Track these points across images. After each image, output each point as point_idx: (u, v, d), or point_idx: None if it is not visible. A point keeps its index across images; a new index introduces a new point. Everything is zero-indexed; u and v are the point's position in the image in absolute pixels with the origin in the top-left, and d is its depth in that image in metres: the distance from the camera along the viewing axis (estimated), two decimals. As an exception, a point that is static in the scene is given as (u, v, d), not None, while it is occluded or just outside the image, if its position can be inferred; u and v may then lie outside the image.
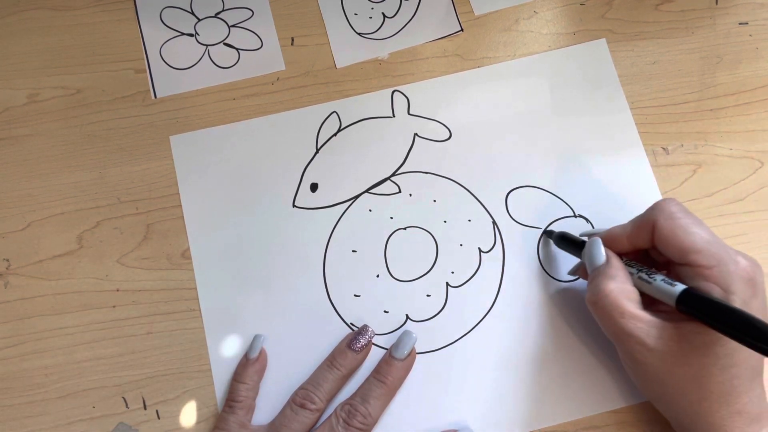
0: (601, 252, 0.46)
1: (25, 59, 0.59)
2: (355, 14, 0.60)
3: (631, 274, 0.45)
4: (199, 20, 0.60)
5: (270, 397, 0.51)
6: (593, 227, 0.54)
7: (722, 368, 0.41)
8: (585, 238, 0.50)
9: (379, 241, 0.55)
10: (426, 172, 0.56)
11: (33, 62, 0.59)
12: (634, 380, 0.47)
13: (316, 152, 0.57)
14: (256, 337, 0.52)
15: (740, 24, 0.59)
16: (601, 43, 0.59)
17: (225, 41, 0.60)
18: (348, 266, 0.54)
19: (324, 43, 0.60)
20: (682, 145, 0.56)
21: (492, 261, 0.54)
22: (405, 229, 0.55)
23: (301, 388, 0.50)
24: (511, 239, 0.54)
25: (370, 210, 0.55)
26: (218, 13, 0.60)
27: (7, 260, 0.54)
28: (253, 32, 0.60)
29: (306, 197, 0.55)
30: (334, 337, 0.52)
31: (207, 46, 0.60)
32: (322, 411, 0.49)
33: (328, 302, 0.53)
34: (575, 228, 0.54)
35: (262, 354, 0.52)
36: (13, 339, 0.53)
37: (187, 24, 0.60)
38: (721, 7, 0.60)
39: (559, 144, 0.56)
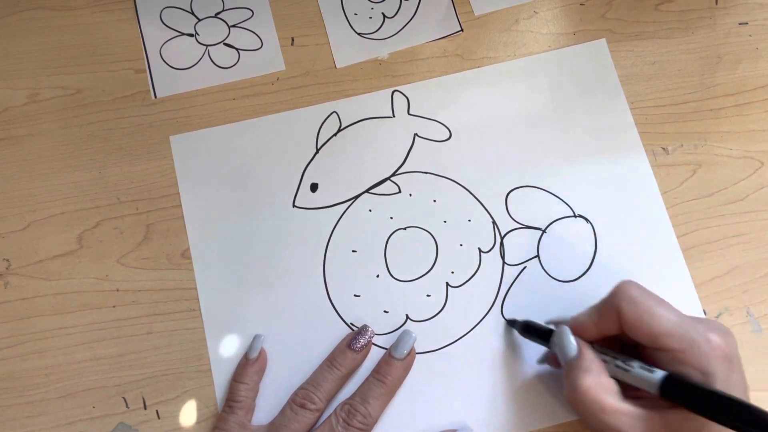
0: (572, 343, 0.45)
1: (25, 59, 0.59)
2: (355, 14, 0.60)
3: (605, 361, 0.44)
4: (199, 20, 0.60)
5: (270, 397, 0.51)
6: (593, 227, 0.54)
7: None
8: (552, 326, 0.49)
9: (379, 241, 0.55)
10: (426, 172, 0.56)
11: (33, 62, 0.59)
12: None
13: (316, 152, 0.57)
14: (255, 337, 0.52)
15: (740, 24, 0.59)
16: (601, 43, 0.59)
17: (225, 41, 0.60)
18: (348, 266, 0.54)
19: (324, 43, 0.60)
20: (682, 145, 0.56)
21: (492, 261, 0.54)
22: (405, 229, 0.55)
23: (301, 388, 0.50)
24: (511, 239, 0.54)
25: (370, 210, 0.55)
26: (218, 13, 0.60)
27: (7, 260, 0.54)
28: (253, 32, 0.60)
29: (306, 197, 0.55)
30: (334, 337, 0.52)
31: (207, 46, 0.60)
32: (321, 411, 0.49)
33: (328, 302, 0.53)
34: (576, 228, 0.54)
35: (262, 354, 0.52)
36: (13, 339, 0.53)
37: (187, 24, 0.60)
38: (721, 7, 0.60)
39: (559, 144, 0.56)
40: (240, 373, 0.51)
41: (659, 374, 0.40)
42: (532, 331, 0.50)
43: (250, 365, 0.51)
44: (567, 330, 0.45)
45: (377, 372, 0.50)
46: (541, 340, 0.49)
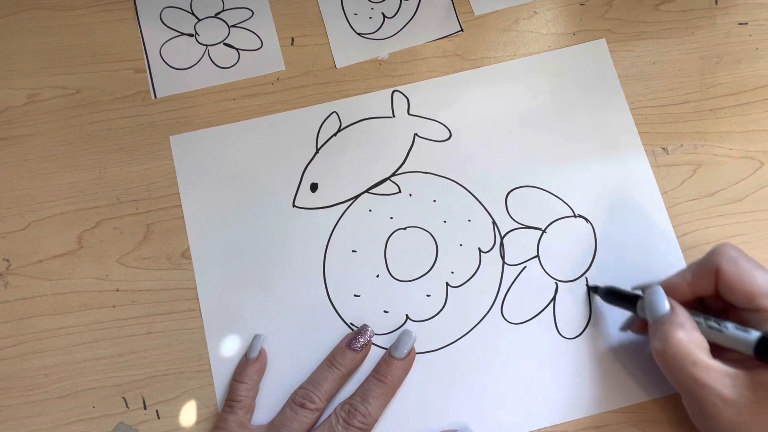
0: (665, 300, 0.45)
1: (25, 59, 0.59)
2: (355, 14, 0.61)
3: (698, 322, 0.44)
4: (199, 20, 0.60)
5: (270, 397, 0.51)
6: (593, 227, 0.54)
7: None
8: (638, 292, 0.49)
9: (379, 241, 0.55)
10: (426, 172, 0.56)
11: (33, 62, 0.59)
12: (700, 427, 0.44)
13: (316, 152, 0.57)
14: (255, 337, 0.52)
15: (740, 24, 0.59)
16: (601, 43, 0.59)
17: (225, 41, 0.60)
18: (348, 266, 0.54)
19: (324, 43, 0.60)
20: (682, 145, 0.56)
21: (492, 261, 0.54)
22: (405, 229, 0.55)
23: (301, 387, 0.50)
24: (511, 239, 0.54)
25: (370, 210, 0.55)
26: (218, 13, 0.60)
27: (7, 260, 0.54)
28: (253, 32, 0.60)
29: (306, 197, 0.55)
30: (334, 336, 0.52)
31: (207, 46, 0.60)
32: (321, 411, 0.49)
33: (328, 302, 0.53)
34: (576, 228, 0.54)
35: (262, 354, 0.52)
36: (13, 339, 0.53)
37: (187, 24, 0.60)
38: (721, 7, 0.60)
39: (559, 144, 0.56)
40: (240, 372, 0.51)
41: (755, 334, 0.41)
42: (616, 296, 0.50)
43: (250, 365, 0.51)
44: (660, 289, 0.46)
45: (377, 372, 0.50)
46: (626, 305, 0.49)
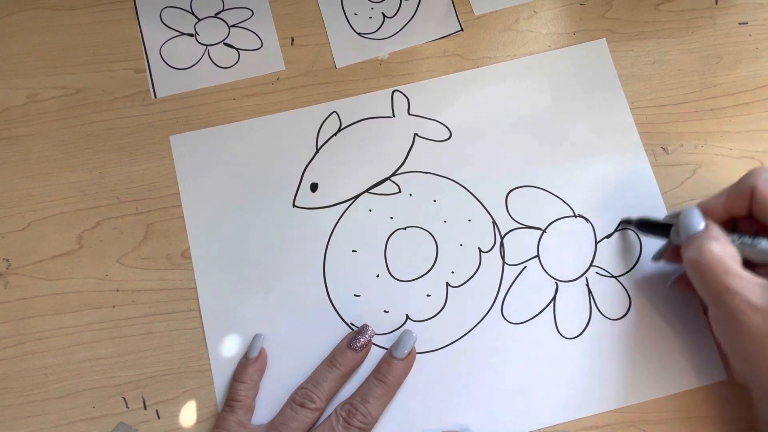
0: (700, 218, 0.46)
1: (25, 59, 0.59)
2: (355, 14, 0.61)
3: (731, 240, 0.45)
4: (199, 20, 0.60)
5: (270, 397, 0.51)
6: (593, 227, 0.54)
7: None
8: (670, 221, 0.50)
9: (379, 241, 0.55)
10: (426, 172, 0.56)
11: (33, 62, 0.59)
12: (725, 341, 0.45)
13: (316, 152, 0.57)
14: (255, 337, 0.52)
15: (740, 24, 0.59)
16: (601, 43, 0.59)
17: (225, 41, 0.60)
18: (348, 266, 0.54)
19: (324, 43, 0.60)
20: (682, 145, 0.56)
21: (492, 261, 0.54)
22: (405, 229, 0.55)
23: (301, 387, 0.50)
24: (511, 239, 0.54)
25: (370, 210, 0.55)
26: (218, 13, 0.60)
27: (7, 260, 0.54)
28: (253, 32, 0.60)
29: (306, 197, 0.55)
30: (334, 336, 0.52)
31: (207, 46, 0.60)
32: (322, 410, 0.49)
33: (328, 302, 0.53)
34: (576, 228, 0.54)
35: (262, 353, 0.52)
36: (13, 339, 0.53)
37: (187, 24, 0.60)
38: (721, 7, 0.60)
39: (559, 144, 0.56)
40: (240, 372, 0.51)
41: None
42: (650, 225, 0.51)
43: (250, 365, 0.51)
44: (695, 208, 0.47)
45: (378, 372, 0.50)
46: (660, 232, 0.50)
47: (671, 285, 0.52)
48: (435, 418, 0.51)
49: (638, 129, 0.57)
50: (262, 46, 0.60)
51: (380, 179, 0.56)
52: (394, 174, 0.56)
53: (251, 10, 0.60)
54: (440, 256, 0.54)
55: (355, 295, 0.53)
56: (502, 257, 0.54)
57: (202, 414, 0.51)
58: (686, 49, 0.59)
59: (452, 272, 0.54)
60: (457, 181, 0.56)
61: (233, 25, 0.60)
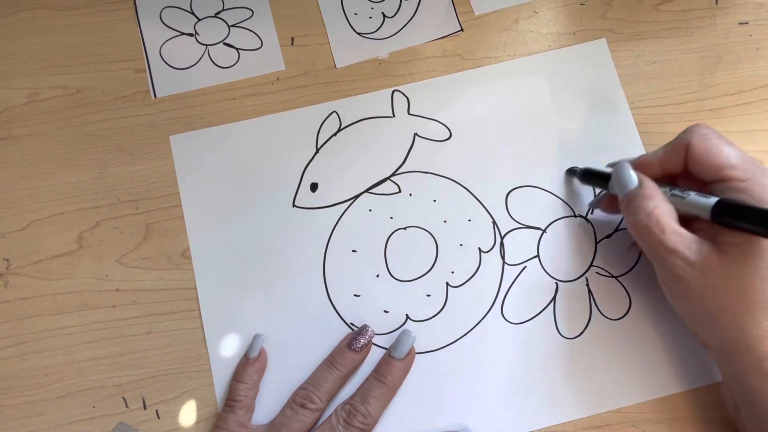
0: (633, 174, 0.46)
1: (25, 59, 0.59)
2: (355, 14, 0.60)
3: (664, 192, 0.45)
4: (199, 20, 0.60)
5: (270, 397, 0.51)
6: (593, 227, 0.54)
7: (762, 278, 0.41)
8: (611, 170, 0.50)
9: (379, 241, 0.55)
10: (426, 172, 0.56)
11: (33, 62, 0.59)
12: (674, 302, 0.46)
13: (316, 152, 0.56)
14: (256, 337, 0.52)
15: (740, 24, 0.59)
16: (602, 43, 0.59)
17: (225, 41, 0.60)
18: (348, 266, 0.54)
19: (324, 43, 0.60)
20: (682, 145, 0.56)
21: (492, 261, 0.54)
22: (405, 228, 0.55)
23: (301, 388, 0.50)
24: (511, 239, 0.54)
25: (370, 210, 0.55)
26: (218, 12, 0.60)
27: (7, 260, 0.54)
28: (253, 32, 0.60)
29: (306, 197, 0.55)
30: (334, 337, 0.52)
31: (207, 45, 0.60)
32: (322, 411, 0.49)
33: (328, 302, 0.53)
34: (576, 228, 0.54)
35: (262, 354, 0.52)
36: (13, 339, 0.53)
37: (187, 24, 0.60)
38: (721, 7, 0.60)
39: (560, 144, 0.56)
40: (240, 372, 0.51)
41: (713, 198, 0.42)
42: (592, 175, 0.52)
43: (250, 365, 0.51)
44: (626, 164, 0.47)
45: (377, 372, 0.50)
46: (602, 183, 0.51)
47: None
48: (435, 418, 0.51)
49: (638, 129, 0.57)
50: (262, 46, 0.60)
51: (380, 179, 0.56)
52: (394, 174, 0.56)
53: (251, 10, 0.60)
54: (440, 256, 0.54)
55: (355, 295, 0.53)
56: (502, 257, 0.54)
57: (201, 414, 0.51)
58: (686, 49, 0.59)
59: (452, 272, 0.54)
60: (457, 181, 0.56)
61: (233, 25, 0.60)
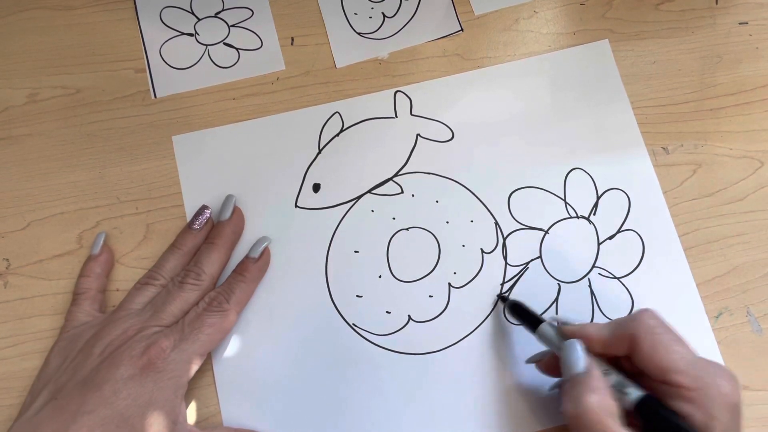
0: (582, 358, 0.43)
1: (25, 59, 0.58)
2: (355, 14, 0.60)
3: (608, 380, 0.43)
4: (199, 20, 0.60)
5: (273, 399, 0.51)
6: (596, 228, 0.54)
7: None
8: (547, 319, 0.48)
9: (381, 242, 0.55)
10: (428, 173, 0.56)
11: (33, 62, 0.58)
12: None
13: (319, 152, 0.56)
14: (98, 235, 0.54)
15: (740, 24, 0.60)
16: (604, 44, 0.59)
17: (225, 41, 0.60)
18: (350, 267, 0.54)
19: (324, 43, 0.60)
20: (682, 145, 0.57)
21: (494, 261, 0.54)
22: (407, 229, 0.55)
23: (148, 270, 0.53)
24: (513, 240, 0.54)
25: (372, 210, 0.55)
26: (218, 12, 0.60)
27: (7, 260, 0.54)
28: (253, 32, 0.60)
29: (308, 198, 0.55)
30: (336, 337, 0.52)
31: (207, 45, 0.59)
32: (164, 287, 0.51)
33: (330, 302, 0.53)
34: (578, 229, 0.54)
35: (105, 249, 0.54)
36: (13, 339, 0.53)
37: (187, 24, 0.60)
38: (721, 6, 0.60)
39: (561, 144, 0.56)
40: (83, 268, 0.53)
41: (636, 394, 0.42)
42: (519, 312, 0.50)
43: (92, 260, 0.53)
44: (577, 344, 0.44)
45: (237, 270, 0.52)
46: (528, 325, 0.49)
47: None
48: (436, 419, 0.51)
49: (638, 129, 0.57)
50: (261, 46, 0.59)
51: (383, 180, 0.56)
52: (396, 174, 0.56)
53: (251, 10, 0.60)
54: (442, 257, 0.54)
55: (357, 296, 0.53)
56: (505, 258, 0.54)
57: (202, 414, 0.51)
58: (686, 49, 0.59)
59: (454, 273, 0.54)
60: (460, 181, 0.56)
61: (233, 25, 0.60)
